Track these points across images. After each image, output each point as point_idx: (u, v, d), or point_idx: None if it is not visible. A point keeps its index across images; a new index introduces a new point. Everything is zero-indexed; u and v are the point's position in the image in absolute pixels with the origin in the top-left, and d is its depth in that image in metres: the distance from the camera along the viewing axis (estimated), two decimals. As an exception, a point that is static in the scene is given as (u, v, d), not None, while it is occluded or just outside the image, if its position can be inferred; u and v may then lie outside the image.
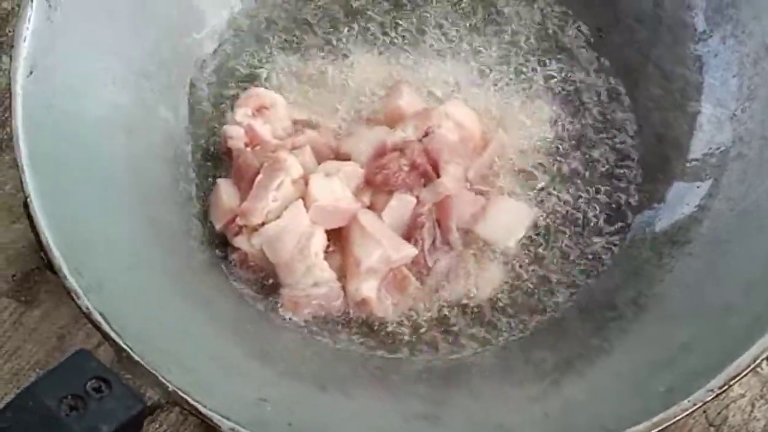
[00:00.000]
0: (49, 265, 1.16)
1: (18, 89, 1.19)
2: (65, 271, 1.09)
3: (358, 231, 1.32)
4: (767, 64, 1.40)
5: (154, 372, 1.05)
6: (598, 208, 1.44)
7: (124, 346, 1.05)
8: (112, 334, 1.06)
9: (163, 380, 1.05)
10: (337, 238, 1.35)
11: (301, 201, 1.32)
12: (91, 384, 0.99)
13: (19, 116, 1.17)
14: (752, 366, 1.08)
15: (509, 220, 1.41)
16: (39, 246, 1.13)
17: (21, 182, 1.14)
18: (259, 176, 1.34)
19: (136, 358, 1.05)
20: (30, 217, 1.14)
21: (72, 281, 1.08)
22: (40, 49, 1.22)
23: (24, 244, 1.49)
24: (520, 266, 1.40)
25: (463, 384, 1.29)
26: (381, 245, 1.31)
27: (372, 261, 1.31)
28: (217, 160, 1.46)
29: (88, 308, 1.07)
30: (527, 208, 1.43)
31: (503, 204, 1.42)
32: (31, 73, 1.21)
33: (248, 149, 1.39)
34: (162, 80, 1.45)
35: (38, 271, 1.47)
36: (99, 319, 1.07)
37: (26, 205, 1.14)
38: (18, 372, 1.40)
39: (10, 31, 1.67)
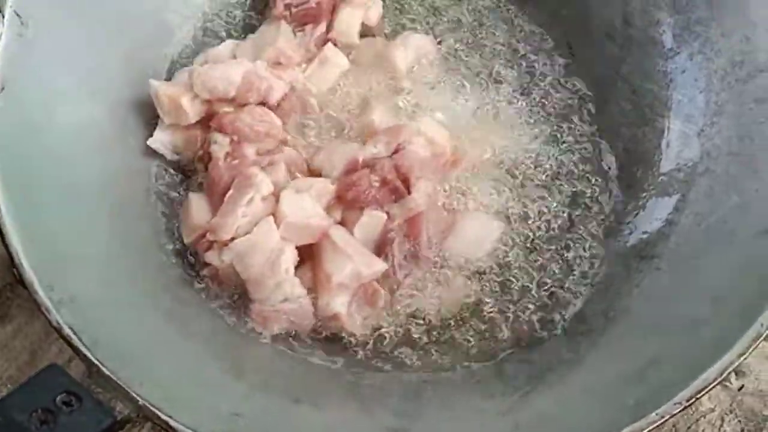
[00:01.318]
0: (22, 281, 1.17)
1: (-9, 106, 1.19)
2: (36, 286, 1.10)
3: (329, 246, 1.33)
4: (734, 81, 1.41)
5: (124, 386, 1.05)
6: (566, 222, 1.45)
7: (95, 361, 1.06)
8: (83, 349, 1.06)
9: (134, 394, 1.05)
10: (308, 253, 1.35)
11: (271, 217, 1.32)
12: (62, 398, 1.00)
13: (-8, 132, 1.17)
14: (719, 379, 1.09)
15: (478, 235, 1.42)
16: (11, 261, 1.13)
17: (-8, 198, 1.14)
18: (230, 192, 1.34)
19: (107, 372, 1.06)
20: (1, 233, 1.13)
21: (43, 296, 1.09)
22: (11, 66, 1.23)
23: (-5, 260, 1.49)
24: (490, 280, 1.41)
25: (435, 397, 1.30)
26: (352, 260, 1.31)
27: (343, 276, 1.31)
28: (188, 173, 1.47)
29: (58, 323, 1.08)
30: (495, 222, 1.43)
31: (472, 219, 1.43)
32: (2, 89, 1.21)
33: (222, 162, 1.39)
34: (134, 94, 1.45)
35: (10, 287, 1.47)
36: (69, 333, 1.07)
37: (-3, 221, 1.15)
38: (-11, 387, 1.41)
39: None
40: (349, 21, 1.56)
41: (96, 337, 1.08)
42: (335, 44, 1.55)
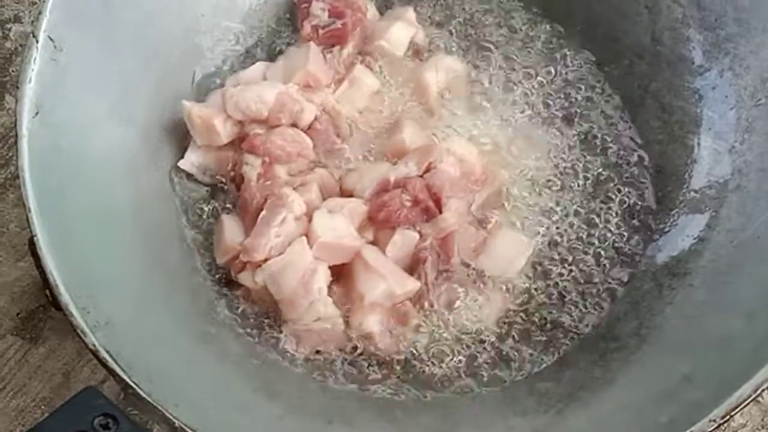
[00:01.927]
0: (54, 303, 1.17)
1: (24, 130, 1.19)
2: (72, 309, 1.10)
3: (362, 266, 1.33)
4: (764, 97, 1.41)
5: (160, 408, 1.06)
6: (598, 240, 1.45)
7: (131, 383, 1.06)
8: (119, 371, 1.07)
9: (170, 416, 1.05)
10: (341, 273, 1.35)
11: (304, 238, 1.33)
12: (99, 420, 1.00)
13: (25, 157, 1.18)
14: (753, 396, 1.08)
15: (509, 253, 1.41)
16: (44, 284, 1.13)
17: (27, 221, 1.14)
18: (263, 212, 1.35)
19: (143, 394, 1.06)
20: (35, 255, 1.14)
21: (79, 319, 1.09)
22: (45, 90, 1.23)
23: (28, 282, 1.50)
24: (522, 297, 1.41)
25: (467, 415, 1.30)
26: (385, 280, 1.32)
27: (376, 295, 1.32)
28: (219, 194, 1.47)
29: (95, 345, 1.08)
30: (526, 240, 1.43)
31: (503, 237, 1.42)
32: (36, 113, 1.21)
33: (254, 183, 1.39)
34: (166, 116, 1.46)
35: (43, 309, 1.48)
36: (106, 356, 1.07)
37: (31, 244, 1.15)
38: (24, 409, 1.41)
39: (13, 71, 1.68)
40: (399, 35, 1.56)
41: (131, 359, 1.08)
42: (378, 55, 1.56)
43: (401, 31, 1.56)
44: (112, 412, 1.01)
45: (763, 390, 1.09)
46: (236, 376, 1.26)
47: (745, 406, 1.08)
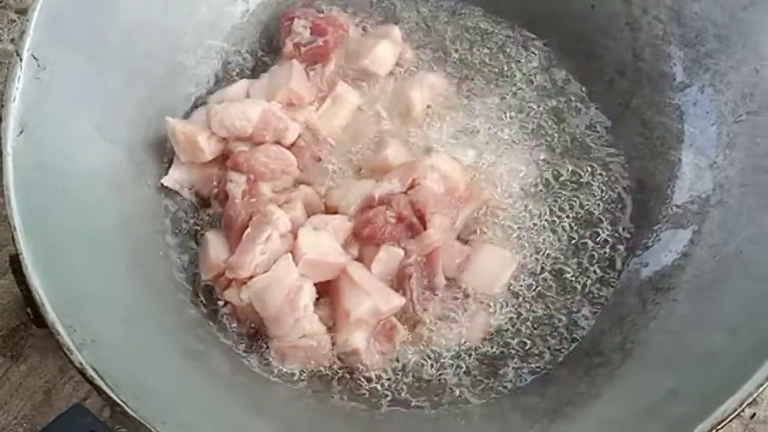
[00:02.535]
0: (35, 321, 1.17)
1: (8, 148, 1.19)
2: (59, 327, 1.09)
3: (348, 283, 1.33)
4: (745, 113, 1.42)
5: (148, 425, 1.06)
6: (581, 255, 1.46)
7: (119, 401, 1.06)
8: (107, 389, 1.06)
9: (158, 433, 1.06)
10: (326, 290, 1.36)
11: (289, 255, 1.33)
12: (87, 437, 1.00)
13: (10, 175, 1.18)
14: (738, 411, 1.09)
15: (493, 268, 1.42)
16: (25, 301, 1.13)
17: (9, 239, 1.14)
18: (248, 230, 1.35)
19: (130, 412, 1.06)
20: (16, 273, 1.14)
21: (65, 337, 1.09)
22: (29, 108, 1.23)
23: (9, 300, 1.50)
24: (506, 312, 1.41)
25: (453, 430, 1.30)
26: (370, 296, 1.32)
27: (361, 312, 1.32)
28: (203, 211, 1.47)
29: (81, 364, 1.08)
30: (510, 255, 1.44)
31: (487, 252, 1.43)
32: (21, 132, 1.21)
33: (239, 200, 1.39)
34: (149, 134, 1.46)
35: (24, 327, 1.48)
36: (93, 374, 1.07)
37: (12, 261, 1.15)
38: (5, 427, 1.41)
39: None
40: (386, 54, 1.57)
41: (118, 377, 1.08)
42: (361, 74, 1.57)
43: (386, 50, 1.57)
44: (100, 430, 1.02)
45: (747, 405, 1.09)
46: (224, 394, 1.26)
47: (730, 420, 1.09)
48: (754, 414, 1.48)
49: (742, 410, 1.10)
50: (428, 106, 1.55)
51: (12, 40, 1.74)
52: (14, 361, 1.46)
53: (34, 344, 1.47)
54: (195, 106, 1.52)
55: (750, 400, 1.09)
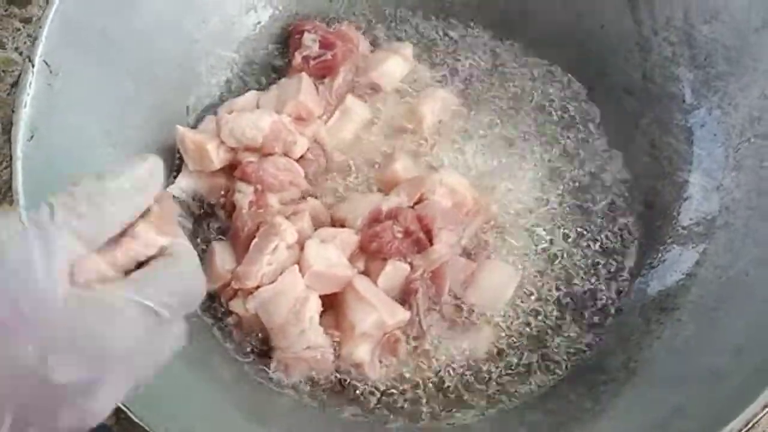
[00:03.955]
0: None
1: (18, 153, 1.20)
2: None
3: (353, 296, 1.33)
4: (753, 136, 1.42)
5: (151, 431, 1.06)
6: (586, 273, 1.45)
7: (123, 407, 1.06)
8: (111, 395, 1.06)
9: (162, 439, 1.05)
10: (332, 302, 1.35)
11: (296, 266, 1.32)
12: (90, 441, 1.00)
13: (19, 179, 1.18)
14: (744, 430, 1.08)
15: (497, 284, 1.42)
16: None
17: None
18: (255, 240, 1.35)
19: (134, 418, 1.06)
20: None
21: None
22: (40, 114, 1.24)
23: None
24: (512, 328, 1.41)
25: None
26: (376, 310, 1.32)
27: (367, 325, 1.32)
28: (212, 220, 1.47)
29: (86, 371, 1.07)
30: (513, 270, 1.44)
31: (491, 268, 1.43)
32: (32, 137, 1.22)
33: (246, 211, 1.39)
34: (158, 141, 1.46)
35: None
36: (97, 380, 1.07)
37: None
38: (6, 434, 1.40)
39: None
40: (394, 69, 1.58)
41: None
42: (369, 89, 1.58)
43: (396, 67, 1.59)
44: (104, 434, 1.01)
45: (754, 424, 1.09)
46: (227, 402, 1.26)
47: (736, 440, 1.09)
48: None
49: (749, 430, 1.10)
50: (439, 121, 1.55)
51: (17, 49, 1.74)
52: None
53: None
54: (205, 116, 1.52)
55: (756, 420, 1.09)
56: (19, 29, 1.77)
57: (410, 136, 1.54)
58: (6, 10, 1.78)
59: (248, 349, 1.36)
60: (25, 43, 1.68)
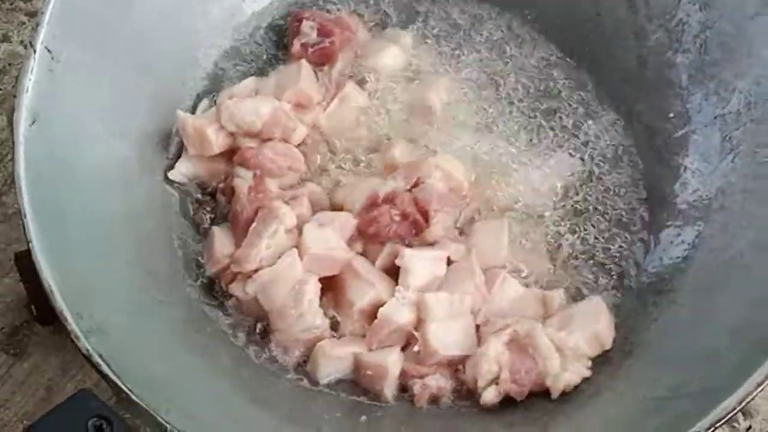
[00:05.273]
0: (39, 319, 1.17)
1: (21, 137, 1.21)
2: (66, 314, 1.10)
3: (352, 275, 1.35)
4: (749, 121, 1.43)
5: (152, 412, 1.07)
6: (583, 258, 1.46)
7: (124, 387, 1.07)
8: (112, 376, 1.08)
9: (162, 420, 1.06)
10: (330, 285, 1.36)
11: (295, 249, 1.33)
12: (93, 422, 1.00)
13: (21, 164, 1.19)
14: (738, 408, 1.09)
15: (491, 239, 1.42)
16: (29, 299, 1.13)
17: (24, 232, 1.15)
18: (254, 224, 1.36)
19: (135, 399, 1.07)
20: (21, 271, 1.14)
21: (73, 324, 1.10)
22: (41, 99, 1.25)
23: (12, 298, 1.50)
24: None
25: (450, 427, 1.31)
26: (374, 287, 1.33)
27: (365, 302, 1.33)
28: (211, 204, 1.48)
29: (88, 350, 1.09)
30: (499, 222, 1.45)
31: (479, 230, 1.44)
32: (33, 122, 1.23)
33: (245, 195, 1.40)
34: (158, 128, 1.47)
35: (27, 325, 1.48)
36: (98, 360, 1.08)
37: (17, 259, 1.15)
38: (6, 423, 1.41)
39: (1, 89, 1.69)
40: (390, 61, 1.60)
41: (123, 365, 1.09)
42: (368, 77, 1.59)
43: (394, 58, 1.60)
44: (107, 414, 1.02)
45: (746, 403, 1.10)
46: (227, 385, 1.27)
47: (730, 417, 1.09)
48: (750, 426, 1.48)
49: (741, 408, 1.11)
50: (438, 107, 1.55)
51: (22, 42, 1.76)
52: (17, 359, 1.46)
53: (36, 342, 1.47)
54: (203, 101, 1.54)
55: (750, 399, 1.10)
56: (24, 23, 1.78)
57: (408, 122, 1.55)
58: (11, 4, 1.80)
59: (248, 332, 1.36)
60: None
